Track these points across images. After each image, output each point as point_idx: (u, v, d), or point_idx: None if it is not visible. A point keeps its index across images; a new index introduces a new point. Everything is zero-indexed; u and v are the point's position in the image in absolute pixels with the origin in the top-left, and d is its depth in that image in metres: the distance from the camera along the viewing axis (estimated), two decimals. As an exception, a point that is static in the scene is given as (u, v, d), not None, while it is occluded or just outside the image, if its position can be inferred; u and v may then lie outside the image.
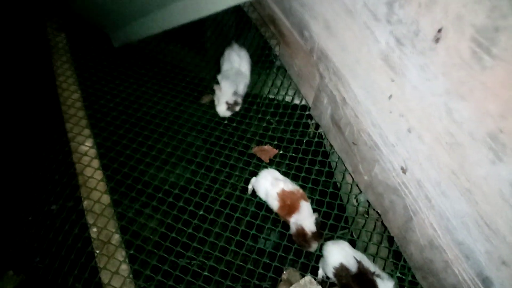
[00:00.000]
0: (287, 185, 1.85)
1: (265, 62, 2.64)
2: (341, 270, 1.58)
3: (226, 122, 2.37)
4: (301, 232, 1.75)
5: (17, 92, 2.69)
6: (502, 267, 1.18)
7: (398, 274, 1.70)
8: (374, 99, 1.61)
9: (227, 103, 2.28)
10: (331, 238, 1.83)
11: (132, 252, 1.82)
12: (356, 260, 1.59)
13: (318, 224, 1.76)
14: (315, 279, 1.65)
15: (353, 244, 1.73)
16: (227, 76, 2.37)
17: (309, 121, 2.31)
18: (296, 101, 2.42)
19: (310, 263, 1.77)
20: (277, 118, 2.37)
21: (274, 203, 1.83)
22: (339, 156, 2.04)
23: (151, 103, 2.49)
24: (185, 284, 1.73)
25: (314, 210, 1.86)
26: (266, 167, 2.01)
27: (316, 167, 2.09)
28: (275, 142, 2.24)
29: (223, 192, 2.05)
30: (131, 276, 1.76)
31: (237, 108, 2.34)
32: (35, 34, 2.99)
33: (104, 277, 1.75)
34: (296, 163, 2.12)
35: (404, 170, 1.52)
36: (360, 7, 1.52)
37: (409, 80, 1.36)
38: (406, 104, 1.41)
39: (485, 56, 1.02)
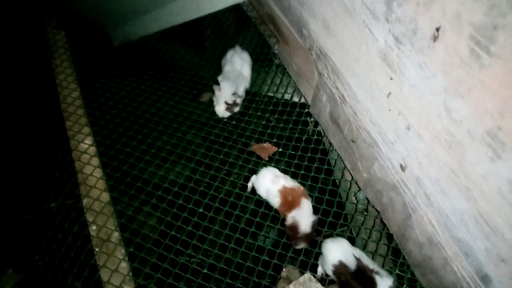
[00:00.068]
0: (288, 182, 1.85)
1: (264, 61, 2.64)
2: (340, 268, 1.58)
3: (225, 120, 2.38)
4: (294, 228, 1.76)
5: (17, 90, 2.69)
6: (501, 264, 1.19)
7: (397, 271, 1.70)
8: (373, 97, 1.61)
9: (226, 103, 2.28)
10: (330, 235, 1.84)
11: (131, 250, 1.83)
12: (355, 257, 1.59)
13: (315, 227, 1.77)
14: (314, 277, 1.66)
15: (352, 241, 1.74)
16: (227, 77, 2.37)
17: (308, 119, 2.32)
18: (295, 99, 2.43)
19: (309, 261, 1.78)
20: (276, 116, 2.37)
21: (275, 200, 1.83)
22: (338, 154, 2.05)
23: (150, 101, 2.50)
24: (185, 281, 1.74)
25: (314, 208, 1.86)
26: (266, 165, 2.01)
27: (315, 165, 2.09)
28: (274, 140, 2.24)
29: (223, 189, 2.06)
30: (130, 274, 1.76)
31: (236, 109, 2.34)
32: (35, 32, 2.99)
33: (104, 275, 1.75)
34: (295, 161, 2.12)
35: (403, 168, 1.52)
36: (358, 6, 1.53)
37: (407, 79, 1.36)
38: (405, 102, 1.41)
39: (484, 55, 1.03)
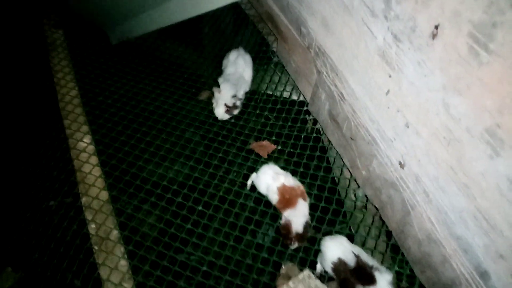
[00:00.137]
0: (289, 180, 1.86)
1: (262, 59, 2.65)
2: (340, 265, 1.59)
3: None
4: (286, 227, 1.77)
5: (15, 89, 2.68)
6: (499, 260, 1.19)
7: (396, 268, 1.71)
8: (372, 94, 1.61)
9: (226, 105, 2.26)
10: (329, 232, 1.84)
11: (131, 248, 1.83)
12: (354, 254, 1.60)
13: (307, 228, 1.78)
14: (313, 274, 1.66)
15: (351, 238, 1.75)
16: (228, 80, 2.36)
17: (307, 116, 2.32)
18: (294, 97, 2.43)
19: (308, 258, 1.78)
20: (275, 114, 2.37)
21: (274, 197, 1.84)
22: (337, 151, 2.05)
23: (149, 99, 2.50)
24: (184, 279, 1.74)
25: (313, 206, 1.87)
26: (265, 163, 2.02)
27: (314, 162, 2.09)
28: (273, 138, 2.25)
29: (222, 187, 2.06)
30: (130, 271, 1.76)
31: (236, 112, 2.33)
32: (33, 31, 2.98)
33: (103, 273, 1.75)
34: (294, 159, 2.12)
35: (402, 165, 1.53)
36: (357, 3, 1.53)
37: (406, 76, 1.37)
38: (403, 100, 1.42)
39: (482, 52, 1.03)
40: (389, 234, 1.80)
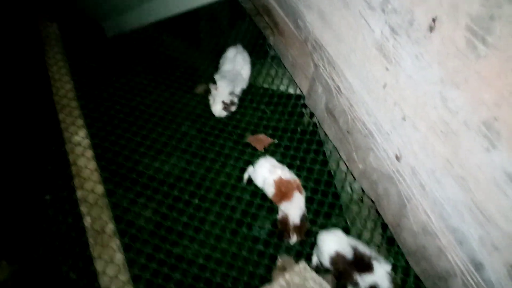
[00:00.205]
0: (285, 173, 1.86)
1: (259, 52, 2.64)
2: (337, 258, 1.60)
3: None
4: (284, 221, 1.78)
5: (9, 83, 2.66)
6: (494, 252, 1.20)
7: (392, 260, 1.72)
8: (369, 88, 1.61)
9: (223, 102, 2.23)
10: (325, 225, 1.85)
11: (126, 241, 1.83)
12: (351, 246, 1.61)
13: (304, 220, 1.78)
14: (309, 266, 1.67)
15: (347, 231, 1.76)
16: (224, 76, 2.33)
17: (303, 110, 2.32)
18: (291, 91, 2.43)
19: (304, 250, 1.79)
20: (271, 108, 2.37)
21: (270, 190, 1.84)
22: (333, 145, 2.05)
23: (144, 93, 2.49)
24: (180, 272, 1.74)
25: (309, 199, 1.87)
26: (261, 156, 2.01)
27: (311, 156, 2.10)
28: (270, 131, 2.25)
29: (218, 181, 2.06)
30: (125, 264, 1.76)
31: (233, 109, 2.30)
32: (27, 25, 2.95)
33: (99, 266, 1.75)
34: (291, 152, 2.13)
35: (398, 158, 1.53)
36: (355, -4, 1.53)
37: (403, 69, 1.37)
38: (401, 93, 1.42)
39: (480, 45, 1.03)
40: (384, 226, 1.81)
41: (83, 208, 1.92)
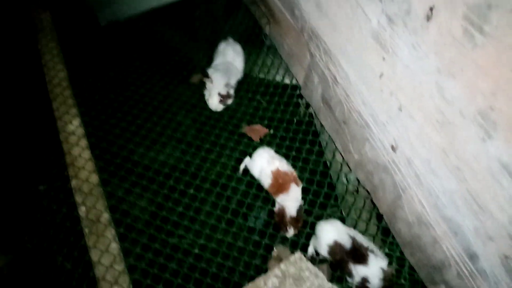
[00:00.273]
0: (283, 165, 1.85)
1: (255, 42, 2.61)
2: (336, 248, 1.61)
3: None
4: (281, 214, 1.78)
5: (1, 72, 2.62)
6: (488, 242, 1.21)
7: (386, 251, 1.73)
8: (365, 78, 1.61)
9: (219, 94, 2.19)
10: (321, 216, 1.85)
11: (121, 230, 1.82)
12: (350, 236, 1.62)
13: (300, 212, 1.78)
14: (305, 256, 1.67)
15: (342, 221, 1.76)
16: (217, 69, 2.29)
17: (299, 100, 2.31)
18: (287, 81, 2.42)
19: (300, 240, 1.79)
20: (267, 98, 2.36)
21: (267, 181, 1.84)
22: (329, 135, 2.05)
23: (139, 82, 2.46)
24: (176, 262, 1.74)
25: (305, 189, 1.87)
26: (257, 147, 2.01)
27: (307, 146, 2.09)
28: (266, 122, 2.24)
29: (214, 171, 2.06)
30: (121, 254, 1.76)
31: (230, 101, 2.27)
32: (19, 12, 2.90)
33: (94, 255, 1.75)
34: (287, 142, 2.12)
35: (394, 149, 1.53)
36: (352, -15, 1.51)
37: (400, 59, 1.36)
38: (397, 83, 1.42)
39: (477, 34, 1.02)
40: (380, 217, 1.81)
41: (78, 198, 1.91)
